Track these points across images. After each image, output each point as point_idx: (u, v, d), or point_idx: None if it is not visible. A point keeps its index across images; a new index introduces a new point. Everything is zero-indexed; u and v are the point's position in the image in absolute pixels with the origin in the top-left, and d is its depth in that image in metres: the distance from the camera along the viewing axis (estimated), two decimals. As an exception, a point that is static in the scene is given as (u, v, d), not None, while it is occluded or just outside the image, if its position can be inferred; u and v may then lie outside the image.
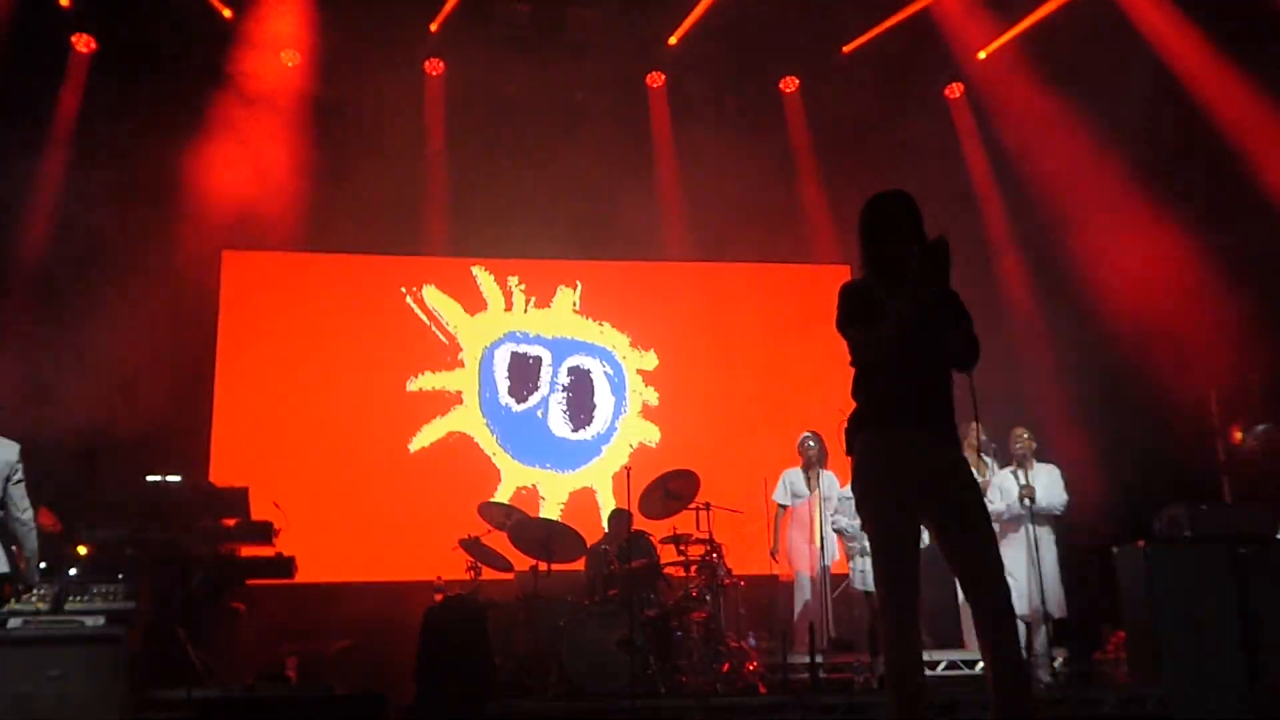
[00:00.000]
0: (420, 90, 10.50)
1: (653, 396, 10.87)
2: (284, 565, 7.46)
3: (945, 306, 4.13)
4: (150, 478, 7.39)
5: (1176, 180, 8.96)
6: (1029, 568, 7.72)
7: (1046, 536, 8.00)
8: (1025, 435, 8.12)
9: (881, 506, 4.07)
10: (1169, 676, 6.93)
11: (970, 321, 4.21)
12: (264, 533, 7.46)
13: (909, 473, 4.04)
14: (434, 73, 10.56)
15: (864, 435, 4.17)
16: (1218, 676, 6.88)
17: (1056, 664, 7.89)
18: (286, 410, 10.08)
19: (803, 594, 8.46)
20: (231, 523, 7.36)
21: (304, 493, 9.07)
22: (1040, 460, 8.13)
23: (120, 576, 6.57)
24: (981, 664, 7.43)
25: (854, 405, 4.28)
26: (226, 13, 9.71)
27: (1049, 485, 8.02)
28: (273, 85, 9.84)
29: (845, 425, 4.27)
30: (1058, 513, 8.05)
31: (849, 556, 8.12)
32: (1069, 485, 8.17)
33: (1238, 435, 8.63)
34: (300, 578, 7.61)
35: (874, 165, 9.85)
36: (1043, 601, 7.65)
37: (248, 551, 7.45)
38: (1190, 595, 7.07)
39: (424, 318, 10.66)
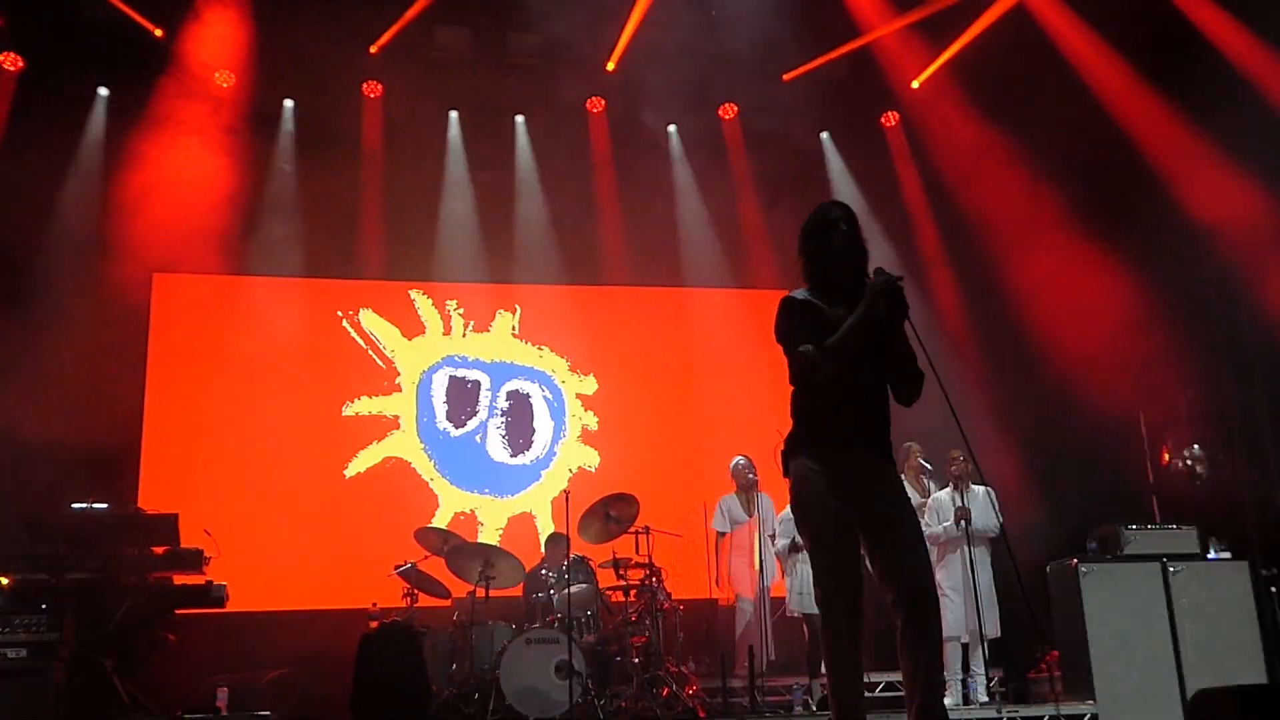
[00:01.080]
0: (359, 113, 10.45)
1: (592, 421, 10.87)
2: (215, 594, 7.33)
3: (903, 341, 4.20)
4: (76, 505, 7.23)
5: (1105, 206, 9.16)
6: (965, 589, 7.82)
7: (982, 558, 8.13)
8: (961, 458, 8.24)
9: (822, 526, 4.11)
10: (1102, 693, 7.06)
11: (915, 357, 4.27)
12: (194, 561, 7.33)
13: (846, 491, 4.08)
14: (373, 95, 10.52)
15: (801, 456, 4.20)
16: (1148, 692, 7.01)
17: (992, 683, 7.98)
18: (218, 436, 9.92)
19: (743, 617, 8.49)
20: (160, 551, 7.22)
21: (236, 520, 8.93)
22: (976, 483, 8.25)
23: (44, 607, 6.43)
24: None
25: (791, 426, 4.32)
26: (158, 32, 9.61)
27: (984, 507, 8.15)
28: (206, 106, 9.74)
29: (781, 447, 4.31)
30: (993, 534, 8.18)
31: (786, 581, 8.16)
32: (1003, 507, 8.29)
33: (1166, 457, 8.81)
34: (232, 606, 7.49)
35: (812, 192, 9.97)
36: (979, 622, 7.75)
37: (178, 580, 7.31)
38: (1122, 613, 7.21)
39: (361, 342, 10.58)
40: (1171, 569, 7.31)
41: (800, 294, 4.28)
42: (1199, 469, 8.41)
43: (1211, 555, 7.53)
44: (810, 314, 4.18)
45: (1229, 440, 8.74)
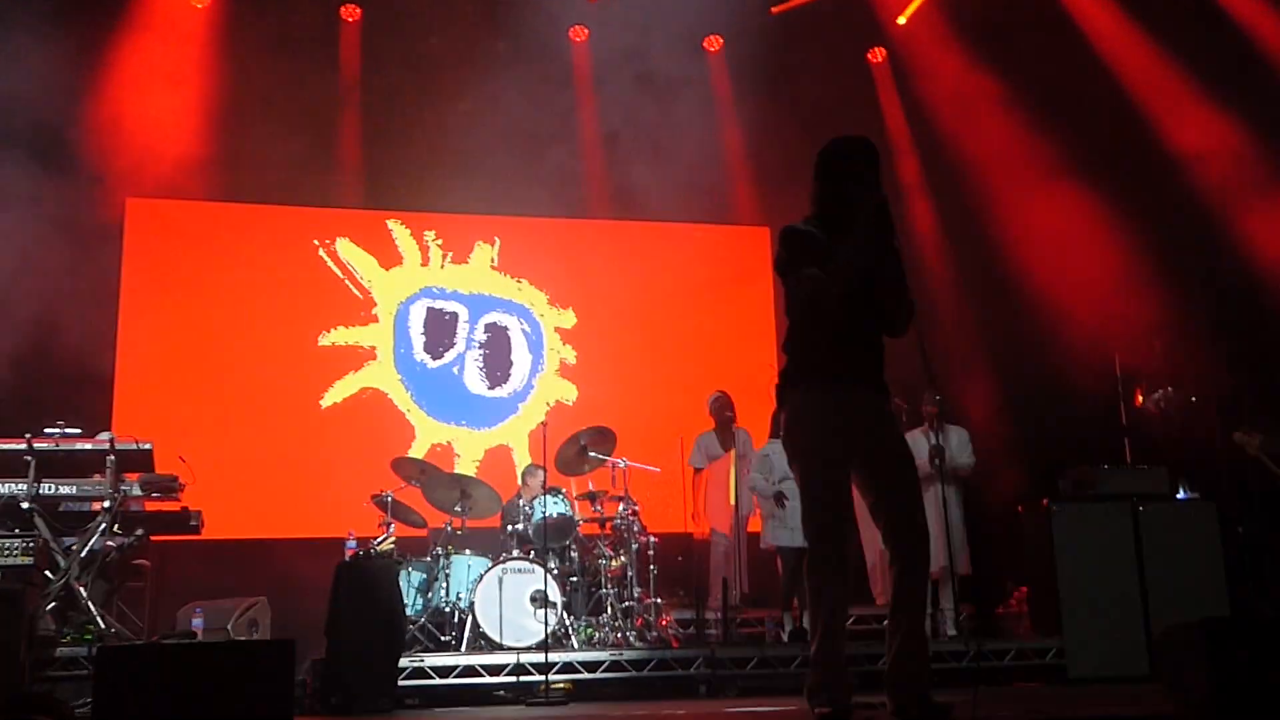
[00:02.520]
0: (336, 36, 10.29)
1: (570, 354, 10.88)
2: (189, 521, 7.33)
3: (893, 264, 4.19)
4: (49, 430, 7.20)
5: (1088, 147, 9.16)
6: (938, 527, 7.90)
7: (954, 496, 8.25)
8: (935, 398, 8.31)
9: (815, 458, 4.15)
10: (1069, 630, 7.20)
11: (905, 283, 4.27)
12: (169, 487, 7.31)
13: (842, 425, 4.12)
14: (351, 19, 10.36)
15: (798, 389, 4.22)
16: (1114, 628, 7.16)
17: (961, 618, 8.12)
18: (193, 363, 9.89)
19: (718, 551, 8.58)
20: (135, 477, 7.21)
21: (211, 448, 8.92)
22: (949, 422, 8.33)
23: (17, 532, 6.42)
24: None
25: (781, 360, 4.33)
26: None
27: (958, 446, 8.26)
28: (182, 27, 9.57)
29: (778, 379, 4.32)
30: (966, 473, 8.30)
31: (762, 515, 8.23)
32: (978, 447, 8.42)
33: (1139, 399, 8.90)
34: (207, 534, 7.50)
35: (797, 128, 9.91)
36: (950, 559, 7.87)
37: (152, 507, 7.31)
38: (1091, 552, 7.33)
39: (337, 271, 10.52)
40: (1141, 509, 7.41)
41: (803, 225, 4.26)
42: (1171, 411, 8.50)
43: (1181, 495, 7.65)
44: (813, 244, 4.17)
45: (1201, 383, 8.84)
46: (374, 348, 10.47)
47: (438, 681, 6.63)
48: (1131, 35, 8.98)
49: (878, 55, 11.26)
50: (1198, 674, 3.40)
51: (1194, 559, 7.19)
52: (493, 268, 10.92)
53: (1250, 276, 8.38)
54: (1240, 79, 8.10)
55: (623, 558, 7.88)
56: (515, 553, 7.71)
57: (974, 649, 7.17)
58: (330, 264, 10.50)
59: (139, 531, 7.12)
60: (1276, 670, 3.44)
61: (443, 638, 7.34)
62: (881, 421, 4.23)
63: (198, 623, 7.16)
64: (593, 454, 8.18)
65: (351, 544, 7.28)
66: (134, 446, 7.08)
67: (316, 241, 10.51)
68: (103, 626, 6.56)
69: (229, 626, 7.18)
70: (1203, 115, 8.34)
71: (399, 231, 10.76)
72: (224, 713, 2.80)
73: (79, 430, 7.32)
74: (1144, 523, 7.38)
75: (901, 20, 10.66)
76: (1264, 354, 8.41)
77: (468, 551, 7.70)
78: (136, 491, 7.10)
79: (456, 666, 6.71)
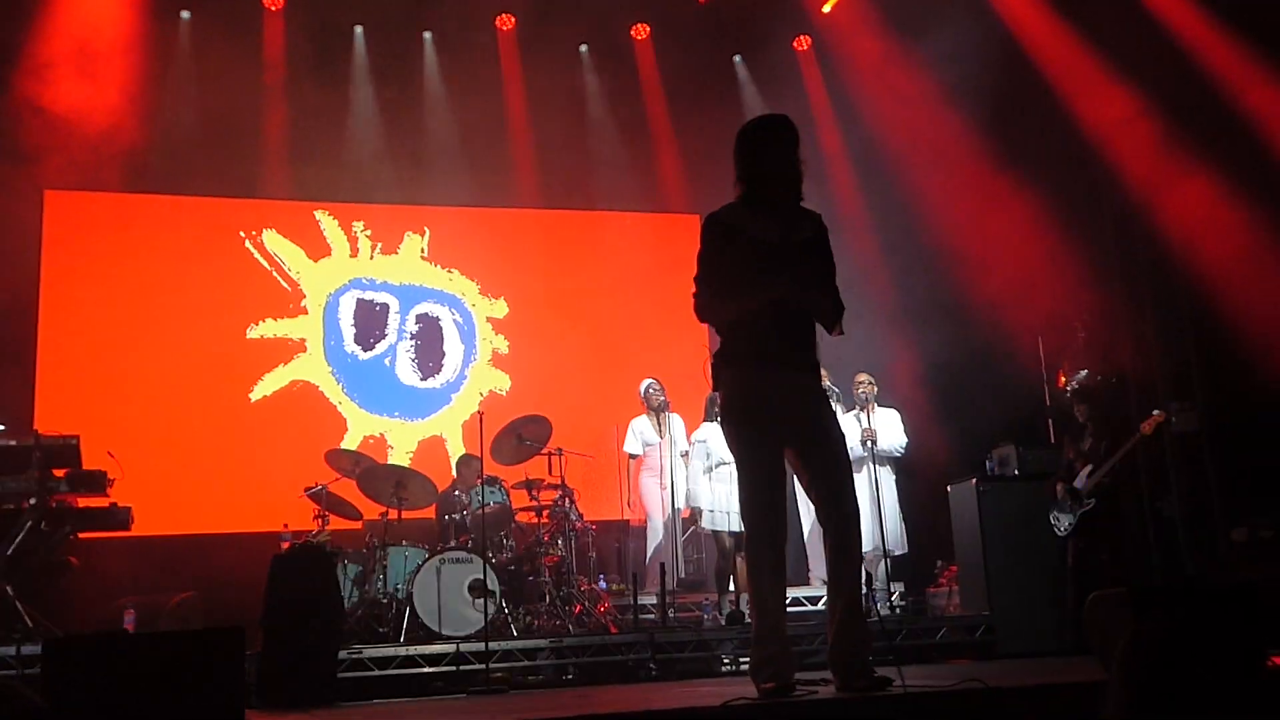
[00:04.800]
0: (260, 23, 10.14)
1: (503, 344, 10.88)
2: (119, 516, 7.24)
3: (819, 260, 4.28)
4: (-31, 426, 7.06)
5: (1011, 133, 9.35)
6: (870, 507, 8.06)
7: (887, 477, 8.41)
8: (867, 380, 8.47)
9: (750, 439, 4.22)
10: (997, 607, 7.39)
11: (837, 290, 4.36)
12: (97, 483, 7.21)
13: (775, 407, 4.19)
14: (274, 6, 10.21)
15: (730, 372, 4.29)
16: (1039, 602, 7.36)
17: (894, 597, 8.29)
18: (118, 358, 9.73)
19: (654, 536, 8.67)
20: (61, 473, 7.09)
21: (140, 443, 8.80)
22: (881, 404, 8.49)
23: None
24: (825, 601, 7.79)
25: (715, 343, 4.40)
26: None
27: (890, 428, 8.42)
28: (102, 14, 9.36)
29: (711, 360, 4.39)
30: (898, 454, 8.47)
31: (697, 499, 8.29)
32: (909, 430, 8.60)
33: (1062, 381, 9.13)
34: (138, 530, 7.41)
35: (724, 115, 9.98)
36: (883, 539, 8.02)
37: (80, 503, 7.20)
38: (1017, 530, 7.53)
39: (264, 263, 10.40)
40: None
41: (725, 214, 4.31)
42: (1091, 393, 8.73)
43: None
44: (728, 240, 4.23)
45: (1121, 365, 9.09)
46: (304, 340, 10.37)
47: (377, 673, 6.60)
48: (1048, 20, 9.20)
49: (803, 43, 11.38)
50: (1123, 639, 3.53)
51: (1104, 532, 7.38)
52: (423, 258, 10.87)
53: (1167, 258, 8.62)
54: (1153, 62, 8.34)
55: (560, 546, 7.92)
56: (452, 543, 7.72)
57: (906, 628, 7.34)
58: (257, 255, 10.38)
59: (67, 528, 7.02)
60: (1196, 631, 3.59)
61: (380, 629, 7.31)
62: (813, 401, 4.30)
63: (129, 619, 7.07)
64: (529, 443, 8.20)
65: (286, 537, 7.23)
66: (60, 441, 6.96)
67: (243, 233, 10.38)
68: (30, 625, 6.45)
69: (161, 622, 7.09)
70: (1117, 95, 8.57)
71: (327, 222, 10.66)
72: (177, 703, 2.80)
73: (2, 426, 7.18)
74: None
75: (826, 9, 10.79)
76: (1181, 334, 8.67)
77: (404, 543, 7.68)
78: (64, 488, 6.98)
79: (395, 657, 6.70)
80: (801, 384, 4.27)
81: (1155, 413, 7.26)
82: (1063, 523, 7.32)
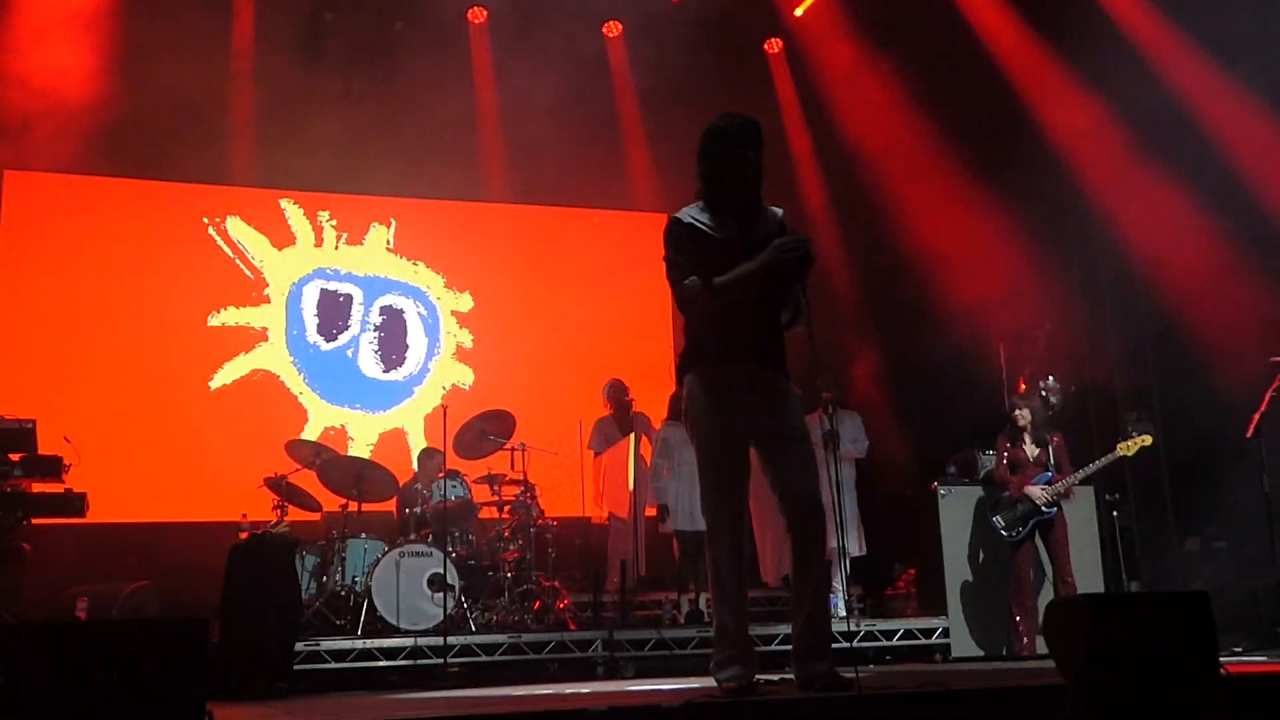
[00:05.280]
0: (229, 6, 10.02)
1: (467, 338, 10.84)
2: (74, 503, 7.14)
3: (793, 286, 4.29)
4: (-77, 409, 6.94)
5: (976, 139, 9.43)
6: (831, 509, 8.08)
7: (848, 480, 8.45)
8: (831, 382, 8.50)
9: (713, 438, 4.22)
10: (954, 610, 7.45)
11: (803, 312, 4.36)
12: (52, 468, 7.11)
13: (741, 403, 4.19)
14: (244, -8, 10.10)
15: (695, 371, 4.29)
16: (996, 607, 7.43)
17: (852, 599, 8.33)
18: (77, 342, 9.60)
19: (616, 534, 8.66)
20: (16, 458, 6.99)
21: (97, 429, 8.68)
22: (843, 407, 8.53)
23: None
24: (780, 600, 7.82)
25: (679, 342, 4.40)
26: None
27: (851, 432, 8.47)
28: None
29: (677, 359, 4.39)
30: (859, 456, 8.52)
31: (661, 498, 8.29)
32: (871, 434, 8.65)
33: (1023, 387, 9.21)
34: (93, 517, 7.32)
35: (694, 114, 9.97)
36: (841, 541, 8.06)
37: (34, 488, 7.09)
38: (976, 534, 7.60)
39: (228, 250, 10.30)
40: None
41: (688, 214, 4.31)
42: (1052, 399, 8.82)
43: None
44: (695, 240, 4.23)
45: (1081, 373, 9.20)
46: (265, 329, 10.28)
47: (334, 665, 6.56)
48: (1016, 29, 9.30)
49: (774, 46, 11.42)
50: (1082, 645, 3.57)
51: (1073, 540, 7.45)
52: (388, 249, 10.81)
53: (1130, 269, 8.73)
54: (1118, 73, 8.44)
55: (521, 542, 7.90)
56: (413, 536, 7.67)
57: (865, 629, 7.38)
58: (220, 243, 10.28)
59: (20, 513, 6.92)
60: (1151, 639, 3.64)
61: (338, 621, 7.26)
62: (779, 400, 4.30)
63: (81, 607, 6.98)
64: (492, 438, 8.17)
65: (245, 528, 7.16)
66: (16, 425, 6.85)
67: (206, 219, 10.28)
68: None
69: (114, 611, 7.02)
70: (1083, 104, 8.66)
71: (292, 211, 10.58)
72: (136, 694, 2.76)
73: (-45, 409, 7.07)
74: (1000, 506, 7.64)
75: (798, 12, 10.84)
76: (1142, 344, 8.78)
77: (364, 535, 7.62)
78: (18, 472, 6.88)
79: (353, 650, 6.66)
80: (767, 382, 4.28)
81: (1140, 436, 7.22)
82: (1006, 526, 7.32)
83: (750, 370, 4.24)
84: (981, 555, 7.62)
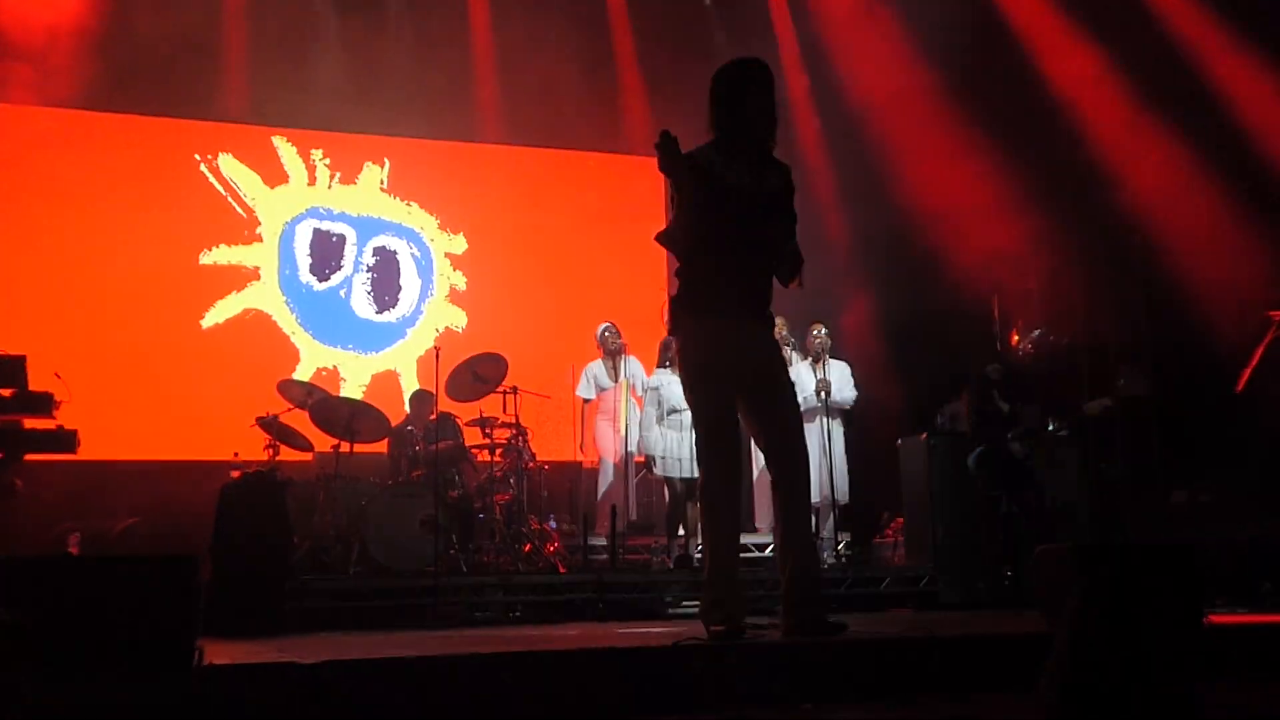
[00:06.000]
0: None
1: (461, 281, 10.79)
2: (66, 439, 7.10)
3: (785, 213, 4.27)
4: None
5: (975, 85, 9.35)
6: (820, 458, 8.13)
7: (836, 429, 8.48)
8: (823, 332, 8.51)
9: (706, 384, 4.24)
10: (941, 559, 7.50)
11: (797, 244, 4.36)
12: (43, 404, 7.06)
13: (730, 356, 4.20)
14: (236, -76, 9.93)
15: (687, 320, 4.28)
16: (982, 559, 7.48)
17: (840, 546, 8.39)
18: (67, 278, 9.54)
19: (606, 479, 8.68)
20: (8, 393, 6.95)
21: (89, 366, 8.64)
22: (834, 357, 8.54)
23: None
24: (771, 547, 7.86)
25: (673, 287, 4.39)
26: None
27: (840, 380, 8.49)
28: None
29: (669, 305, 4.38)
30: (848, 406, 8.54)
31: (650, 447, 8.30)
32: (862, 383, 8.66)
33: (1015, 339, 9.20)
34: (85, 454, 7.28)
35: (693, 57, 9.88)
36: (831, 489, 8.10)
37: (26, 424, 7.06)
38: (964, 484, 7.63)
39: (219, 188, 10.21)
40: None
41: (699, 154, 4.27)
42: (1043, 352, 8.82)
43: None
44: (702, 181, 4.20)
45: (1073, 325, 9.19)
46: (257, 268, 10.22)
47: (325, 604, 6.58)
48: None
49: (775, -13, 11.28)
50: (1069, 593, 3.60)
51: (1059, 492, 7.48)
52: (382, 190, 10.72)
53: (1126, 221, 8.70)
54: (1122, 23, 8.35)
55: (512, 484, 7.92)
56: (404, 478, 7.68)
57: (852, 577, 7.44)
58: (212, 180, 10.18)
59: (11, 450, 6.90)
60: (1137, 589, 3.67)
61: (330, 561, 7.28)
62: (765, 352, 4.33)
63: (73, 544, 7.00)
64: (484, 380, 8.16)
65: (237, 466, 7.16)
66: (6, 359, 6.81)
67: (198, 156, 10.17)
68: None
69: (106, 548, 7.03)
70: (1085, 54, 8.58)
71: (285, 149, 10.47)
72: (127, 629, 2.77)
73: (-56, 343, 7.03)
74: (984, 458, 7.66)
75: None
76: (1135, 297, 8.76)
77: (356, 476, 7.63)
78: (9, 408, 6.85)
79: (344, 590, 6.69)
80: (756, 334, 4.30)
81: (1104, 397, 7.25)
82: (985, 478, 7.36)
83: (742, 323, 4.25)
84: (970, 504, 7.65)
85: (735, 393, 4.25)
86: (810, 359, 8.46)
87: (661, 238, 4.27)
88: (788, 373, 4.43)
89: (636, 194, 10.98)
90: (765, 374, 4.27)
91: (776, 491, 4.27)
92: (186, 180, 10.08)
